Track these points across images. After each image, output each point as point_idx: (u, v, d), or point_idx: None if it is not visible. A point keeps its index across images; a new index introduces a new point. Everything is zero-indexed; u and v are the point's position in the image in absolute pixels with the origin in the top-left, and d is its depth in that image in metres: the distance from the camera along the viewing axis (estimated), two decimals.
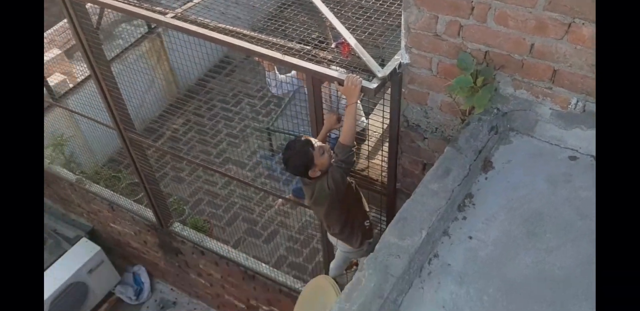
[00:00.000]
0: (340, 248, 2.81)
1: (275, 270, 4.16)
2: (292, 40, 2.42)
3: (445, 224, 1.81)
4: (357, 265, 3.32)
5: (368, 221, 2.68)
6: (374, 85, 2.10)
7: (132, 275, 5.70)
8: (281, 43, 2.35)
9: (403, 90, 2.21)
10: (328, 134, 2.59)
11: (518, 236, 1.74)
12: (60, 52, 5.31)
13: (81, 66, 5.07)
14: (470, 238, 1.77)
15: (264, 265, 4.19)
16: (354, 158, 2.38)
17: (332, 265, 3.12)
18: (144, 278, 5.67)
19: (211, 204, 5.24)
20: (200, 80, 6.04)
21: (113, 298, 5.56)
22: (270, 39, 2.38)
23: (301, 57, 2.26)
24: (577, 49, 1.73)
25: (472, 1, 1.78)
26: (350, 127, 2.27)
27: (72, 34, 3.14)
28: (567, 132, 1.94)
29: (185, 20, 2.50)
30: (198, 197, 5.32)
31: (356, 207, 2.60)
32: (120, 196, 4.86)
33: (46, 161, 5.12)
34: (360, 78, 2.12)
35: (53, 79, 5.13)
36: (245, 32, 2.42)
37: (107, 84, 3.40)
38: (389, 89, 2.26)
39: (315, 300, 2.95)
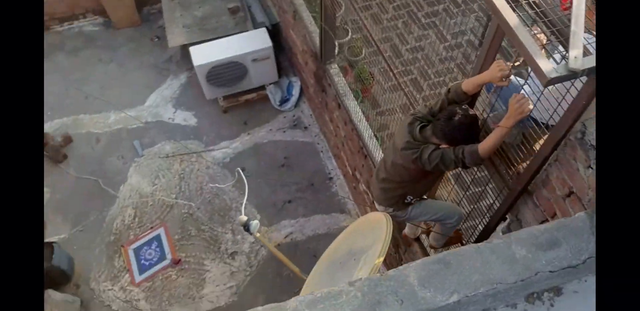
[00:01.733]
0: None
1: None
2: None
3: (492, 304, 1.21)
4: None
5: (412, 198, 2.55)
6: (553, 74, 1.42)
7: (287, 82, 5.59)
8: None
9: None
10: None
11: None
12: None
13: None
14: None
15: (379, 153, 3.60)
16: (472, 166, 2.18)
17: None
18: (296, 91, 5.52)
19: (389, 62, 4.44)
20: None
21: (263, 92, 5.62)
22: None
23: None
24: None
25: None
26: (493, 145, 2.03)
27: None
28: None
29: None
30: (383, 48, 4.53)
31: (422, 185, 2.51)
32: (303, 4, 4.29)
33: None
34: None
35: None
36: None
37: None
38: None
39: (366, 234, 2.45)
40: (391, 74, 3.12)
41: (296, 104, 5.47)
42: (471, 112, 2.13)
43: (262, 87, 5.57)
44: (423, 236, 3.07)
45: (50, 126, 5.49)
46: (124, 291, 4.14)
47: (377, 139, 3.76)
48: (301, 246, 4.15)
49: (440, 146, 2.19)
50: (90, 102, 5.63)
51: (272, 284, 4.01)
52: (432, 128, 2.20)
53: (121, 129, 5.48)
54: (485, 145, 2.05)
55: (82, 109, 5.58)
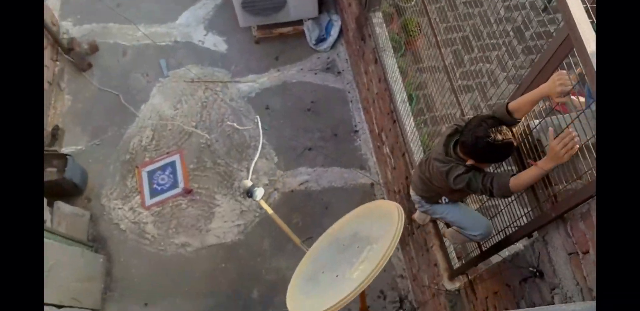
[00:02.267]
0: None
1: (416, 132, 3.40)
2: None
3: None
4: None
5: (447, 200, 2.52)
6: None
7: (328, 20, 5.22)
8: None
9: None
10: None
11: None
12: None
13: None
14: None
15: (409, 122, 3.41)
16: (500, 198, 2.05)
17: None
18: (334, 31, 5.17)
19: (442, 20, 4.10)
20: None
21: (300, 27, 5.28)
22: None
23: None
24: None
25: None
26: (526, 184, 1.84)
27: None
28: None
29: None
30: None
31: (457, 195, 2.44)
32: None
33: None
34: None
35: None
36: None
37: None
38: None
39: (374, 222, 2.37)
40: (436, 30, 2.83)
41: (333, 46, 5.16)
42: (505, 134, 1.83)
43: (300, 22, 5.22)
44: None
45: (78, 31, 5.24)
46: (133, 212, 4.19)
47: (411, 100, 3.54)
48: (314, 196, 4.11)
49: (467, 162, 2.00)
50: (121, 11, 5.32)
51: (279, 230, 4.02)
52: (459, 142, 2.00)
53: (149, 45, 5.23)
54: (517, 181, 1.84)
55: (112, 17, 5.29)
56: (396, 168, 3.61)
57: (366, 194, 4.13)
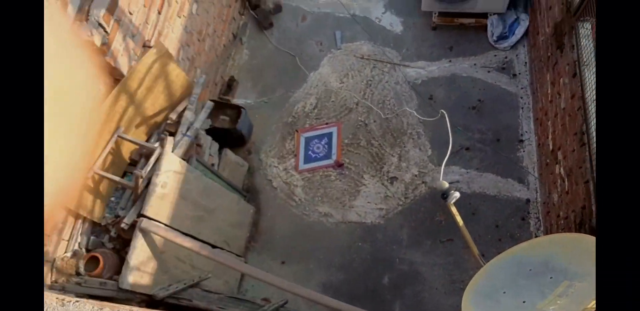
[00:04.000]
0: None
1: None
2: None
3: None
4: None
5: None
6: None
7: (514, 18, 4.80)
8: None
9: None
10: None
11: None
12: None
13: None
14: None
15: None
16: None
17: None
18: (519, 31, 4.76)
19: None
20: None
21: (483, 21, 4.92)
22: None
23: None
24: None
25: None
26: None
27: None
28: None
29: None
30: None
31: None
32: None
33: None
34: None
35: None
36: None
37: None
38: None
39: (575, 258, 2.16)
40: None
41: (514, 46, 4.79)
42: None
43: (484, 15, 4.88)
44: None
45: None
46: (287, 173, 4.31)
47: None
48: (463, 199, 3.92)
49: None
50: None
51: (420, 223, 3.95)
52: None
53: (328, 14, 5.21)
54: None
55: None
56: (569, 193, 3.31)
57: (519, 210, 3.89)
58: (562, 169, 3.52)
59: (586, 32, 3.56)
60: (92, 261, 2.92)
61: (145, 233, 2.90)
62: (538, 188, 3.92)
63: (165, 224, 3.04)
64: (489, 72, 4.68)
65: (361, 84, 4.74)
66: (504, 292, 2.14)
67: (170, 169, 3.09)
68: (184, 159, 3.28)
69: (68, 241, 2.94)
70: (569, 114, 3.57)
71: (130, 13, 3.12)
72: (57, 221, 2.82)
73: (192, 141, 3.44)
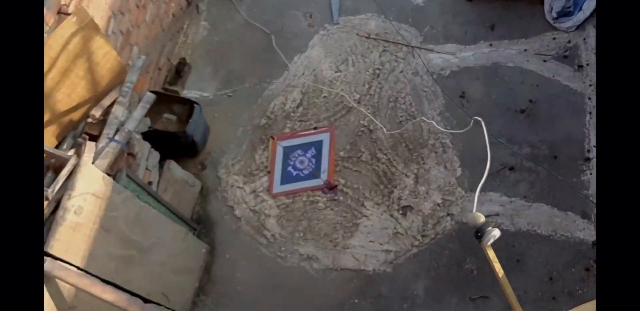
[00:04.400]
0: None
1: None
2: None
3: None
4: None
5: None
6: None
7: None
8: None
9: None
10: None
11: None
12: None
13: None
14: None
15: None
16: None
17: None
18: (588, 6, 4.89)
19: None
20: None
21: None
22: None
23: None
24: None
25: None
26: None
27: None
28: None
29: None
30: None
31: None
32: None
33: None
34: None
35: None
36: None
37: None
38: None
39: None
40: None
41: (580, 25, 4.90)
42: None
43: None
44: None
45: None
46: (255, 197, 4.33)
47: None
48: (504, 239, 3.98)
49: None
50: None
51: (442, 272, 3.97)
52: None
53: None
54: None
55: None
56: None
57: (582, 256, 3.94)
58: None
59: None
60: None
61: (49, 279, 2.88)
62: None
63: (78, 268, 3.02)
64: (545, 61, 4.78)
65: (365, 74, 4.81)
66: None
67: (88, 188, 3.09)
68: (109, 175, 3.29)
69: None
70: None
71: None
72: None
73: (121, 149, 3.45)
